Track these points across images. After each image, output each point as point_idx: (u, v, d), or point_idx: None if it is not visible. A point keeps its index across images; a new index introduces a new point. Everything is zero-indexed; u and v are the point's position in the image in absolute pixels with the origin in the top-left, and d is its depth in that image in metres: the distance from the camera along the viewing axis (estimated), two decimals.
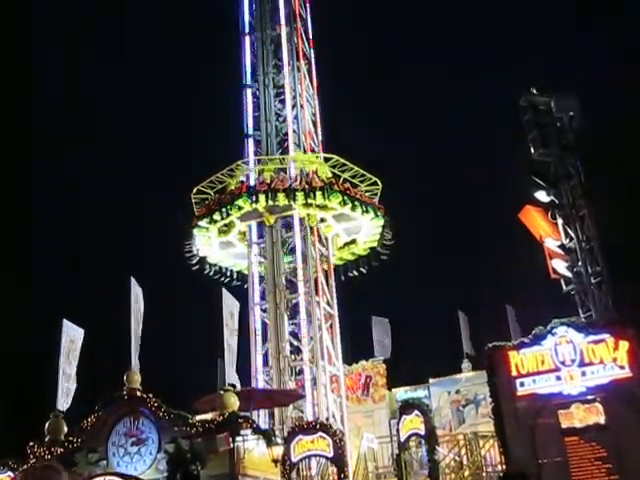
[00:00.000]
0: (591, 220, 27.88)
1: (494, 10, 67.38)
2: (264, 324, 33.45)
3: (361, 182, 35.38)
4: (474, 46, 66.62)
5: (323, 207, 34.25)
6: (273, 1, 39.37)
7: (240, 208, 34.08)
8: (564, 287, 28.21)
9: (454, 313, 37.32)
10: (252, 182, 34.63)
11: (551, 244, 28.61)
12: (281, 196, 33.44)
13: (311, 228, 34.26)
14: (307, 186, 33.59)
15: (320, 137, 37.48)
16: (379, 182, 35.45)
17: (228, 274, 37.92)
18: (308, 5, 40.60)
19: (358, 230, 36.40)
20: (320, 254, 34.76)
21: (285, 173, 34.81)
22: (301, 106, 36.83)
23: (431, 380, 34.97)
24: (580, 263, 27.68)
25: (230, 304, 28.85)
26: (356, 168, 35.02)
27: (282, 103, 36.91)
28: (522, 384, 21.74)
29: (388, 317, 40.07)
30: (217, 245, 36.60)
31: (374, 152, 36.69)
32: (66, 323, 29.32)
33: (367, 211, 34.91)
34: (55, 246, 62.14)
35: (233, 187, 34.67)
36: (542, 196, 28.86)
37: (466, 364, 34.79)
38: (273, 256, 34.21)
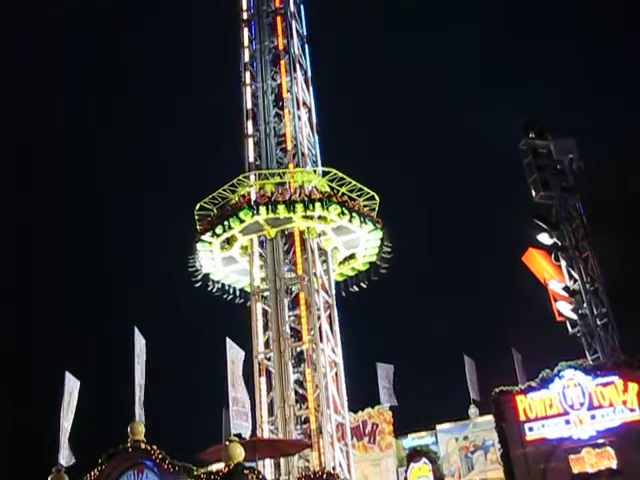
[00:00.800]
0: (595, 261, 27.84)
1: (495, 54, 68.65)
2: (268, 372, 33.20)
3: (359, 196, 35.59)
4: (475, 83, 67.68)
5: (322, 219, 34.74)
6: (273, 52, 40.09)
7: (242, 221, 34.42)
8: (570, 329, 28.03)
9: (460, 358, 37.02)
10: (253, 196, 34.81)
11: (555, 286, 28.48)
12: (281, 208, 33.97)
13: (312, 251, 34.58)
14: (306, 198, 34.15)
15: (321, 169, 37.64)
16: (376, 197, 35.83)
17: (231, 292, 38.07)
18: (307, 47, 41.29)
19: (357, 244, 36.74)
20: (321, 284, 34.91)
21: (284, 186, 35.17)
22: (302, 154, 37.12)
23: (438, 426, 34.52)
24: (585, 305, 27.53)
25: (234, 353, 28.62)
26: (354, 182, 35.45)
27: (283, 152, 37.19)
28: (531, 429, 21.48)
29: (393, 362, 39.76)
30: (220, 261, 36.75)
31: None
32: (68, 376, 29.01)
33: (365, 222, 35.26)
34: (55, 297, 62.27)
35: (235, 201, 34.95)
36: (545, 239, 28.86)
37: (473, 409, 34.38)
38: (276, 295, 34.27)
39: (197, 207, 35.88)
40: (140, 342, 27.62)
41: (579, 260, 28.28)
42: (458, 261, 55.60)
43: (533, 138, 29.57)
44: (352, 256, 37.71)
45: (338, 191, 35.26)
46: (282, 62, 39.44)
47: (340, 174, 35.51)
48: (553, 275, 28.88)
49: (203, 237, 35.61)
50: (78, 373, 29.53)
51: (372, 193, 35.92)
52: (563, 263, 28.68)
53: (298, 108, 38.43)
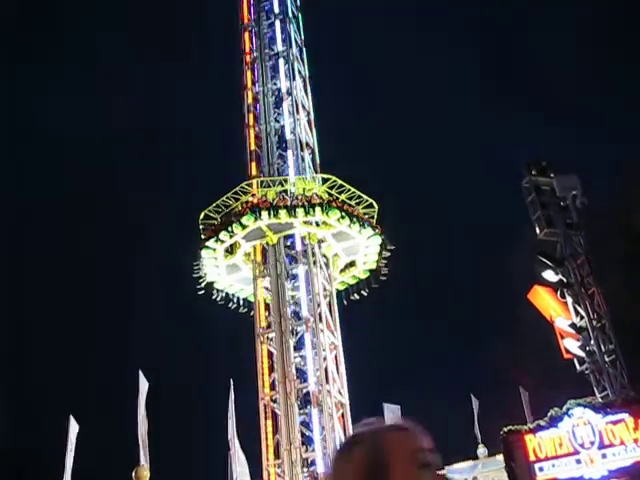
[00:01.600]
0: (601, 298, 27.63)
1: (495, 89, 69.41)
2: (275, 414, 32.94)
3: (358, 204, 36.79)
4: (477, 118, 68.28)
5: (323, 224, 35.68)
6: (276, 95, 40.53)
7: (244, 226, 35.31)
8: (578, 367, 27.68)
9: (467, 397, 36.63)
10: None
11: (562, 323, 28.23)
12: (283, 212, 35.12)
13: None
14: (307, 203, 35.22)
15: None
16: (375, 204, 37.00)
17: (235, 300, 38.64)
18: (310, 89, 41.78)
19: (357, 250, 37.53)
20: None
21: (286, 194, 36.35)
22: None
23: (447, 468, 34.00)
24: (592, 342, 27.24)
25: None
26: (352, 189, 36.55)
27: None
28: (541, 469, 21.15)
29: (399, 403, 39.33)
30: (224, 269, 37.40)
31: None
32: (72, 421, 28.73)
33: (364, 226, 36.28)
34: (58, 343, 62.07)
35: (238, 208, 36.10)
36: (550, 276, 28.68)
37: (482, 449, 33.91)
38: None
39: (202, 216, 36.93)
40: (144, 385, 27.47)
41: (585, 297, 28.07)
42: (463, 299, 55.47)
43: (536, 175, 29.62)
44: (352, 264, 38.64)
45: (338, 197, 36.36)
46: (285, 104, 39.87)
47: (339, 181, 36.59)
48: (559, 312, 28.64)
49: (207, 243, 36.38)
50: (81, 417, 29.33)
51: (371, 200, 37.08)
52: (569, 300, 28.45)
53: (302, 149, 38.83)
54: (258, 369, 34.40)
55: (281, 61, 41.37)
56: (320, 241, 36.43)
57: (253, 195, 36.36)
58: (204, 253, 36.69)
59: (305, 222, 35.58)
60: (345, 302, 38.33)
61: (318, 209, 35.12)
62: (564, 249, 28.93)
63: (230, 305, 38.60)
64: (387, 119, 72.74)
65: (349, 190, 36.54)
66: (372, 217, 37.20)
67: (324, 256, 36.77)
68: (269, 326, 35.39)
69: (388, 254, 37.95)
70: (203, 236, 36.74)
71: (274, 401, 33.27)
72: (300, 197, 35.66)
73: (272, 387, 33.74)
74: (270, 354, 34.83)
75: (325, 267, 36.67)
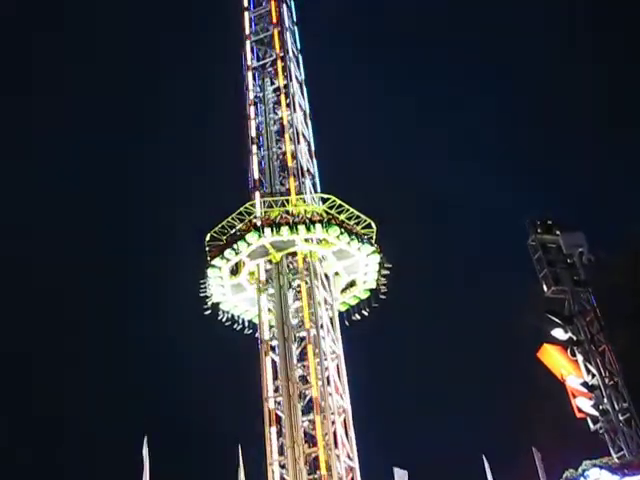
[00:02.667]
0: (612, 355, 27.42)
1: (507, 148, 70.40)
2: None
3: (357, 224, 38.28)
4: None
5: (323, 242, 37.22)
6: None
7: (249, 244, 36.73)
8: (592, 426, 27.30)
9: (479, 459, 35.96)
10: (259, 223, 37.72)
11: (573, 382, 27.94)
12: (285, 229, 36.65)
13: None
14: (308, 220, 36.95)
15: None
16: (373, 224, 38.36)
17: (240, 322, 39.73)
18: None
19: (357, 269, 38.68)
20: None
21: (288, 214, 37.92)
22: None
23: None
24: (605, 400, 26.94)
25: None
26: (352, 209, 38.07)
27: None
28: None
29: (409, 466, 38.66)
30: (229, 289, 38.54)
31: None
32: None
33: (363, 243, 37.65)
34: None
35: (242, 227, 37.73)
36: (559, 334, 28.52)
37: None
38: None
39: (208, 237, 38.31)
40: (146, 453, 27.27)
41: (596, 354, 27.86)
42: (472, 360, 54.99)
43: (541, 233, 29.74)
44: (353, 284, 39.60)
45: (337, 217, 37.90)
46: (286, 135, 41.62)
47: (338, 201, 38.17)
48: (570, 370, 28.37)
49: (213, 262, 37.64)
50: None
51: (369, 220, 38.46)
52: (580, 358, 28.22)
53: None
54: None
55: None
56: (321, 260, 37.83)
57: (256, 217, 38.00)
58: (210, 272, 37.93)
59: (306, 240, 37.06)
60: (347, 323, 39.26)
61: (318, 226, 36.73)
62: (572, 306, 28.84)
63: (235, 326, 39.68)
64: (388, 170, 73.80)
65: (348, 210, 38.10)
66: (371, 238, 38.61)
67: (325, 275, 37.98)
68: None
69: (387, 272, 38.99)
70: (209, 257, 38.06)
71: (282, 467, 32.85)
72: (301, 215, 37.27)
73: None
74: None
75: (327, 284, 37.84)
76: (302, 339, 36.08)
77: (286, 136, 41.74)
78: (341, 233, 37.02)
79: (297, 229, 36.55)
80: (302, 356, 35.70)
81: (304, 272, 36.98)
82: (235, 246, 36.99)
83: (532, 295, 30.68)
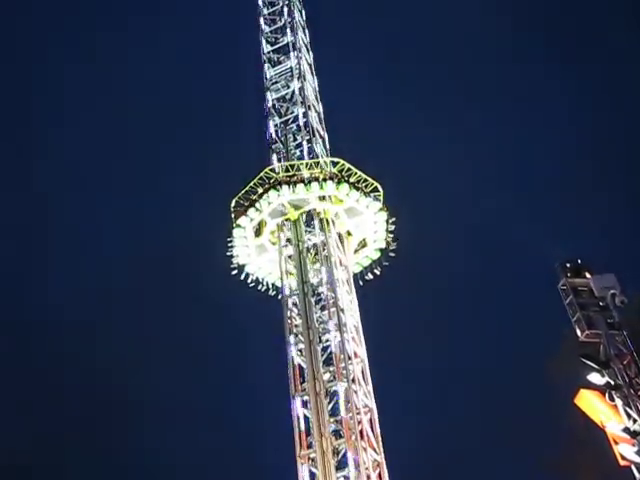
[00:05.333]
0: None
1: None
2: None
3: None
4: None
5: (335, 199, 41.27)
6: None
7: (269, 203, 41.11)
8: (636, 474, 26.39)
9: None
10: None
11: (614, 428, 27.10)
12: (300, 186, 41.07)
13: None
14: (320, 178, 41.14)
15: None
16: (380, 187, 42.87)
17: (264, 284, 43.92)
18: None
19: (367, 227, 42.95)
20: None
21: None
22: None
23: None
24: None
25: None
26: (360, 173, 42.37)
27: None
28: None
29: None
30: (254, 250, 42.94)
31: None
32: None
33: (370, 198, 41.75)
34: None
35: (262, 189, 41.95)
36: (596, 378, 27.78)
37: None
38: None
39: (233, 203, 42.96)
40: None
41: (635, 398, 27.07)
42: (506, 409, 54.00)
43: (571, 277, 29.27)
44: (364, 245, 43.78)
45: (347, 177, 42.08)
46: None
47: (347, 165, 42.60)
48: (610, 416, 27.56)
49: (238, 221, 42.13)
50: None
51: (376, 184, 42.71)
52: (619, 402, 27.43)
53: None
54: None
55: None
56: (333, 219, 41.89)
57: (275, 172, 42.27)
58: (236, 232, 42.37)
59: (320, 198, 41.07)
60: (361, 283, 43.78)
61: (330, 183, 41.12)
62: (608, 350, 28.17)
63: (260, 287, 43.90)
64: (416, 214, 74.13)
65: (356, 173, 42.46)
66: (378, 199, 42.93)
67: (339, 235, 42.01)
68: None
69: (393, 227, 43.33)
70: (234, 217, 42.45)
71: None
72: (314, 174, 41.51)
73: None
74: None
75: (341, 243, 41.74)
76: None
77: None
78: (350, 190, 41.04)
79: (311, 186, 40.21)
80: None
81: (318, 227, 41.22)
82: (257, 205, 41.29)
83: (565, 339, 30.12)
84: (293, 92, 47.83)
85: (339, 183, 41.34)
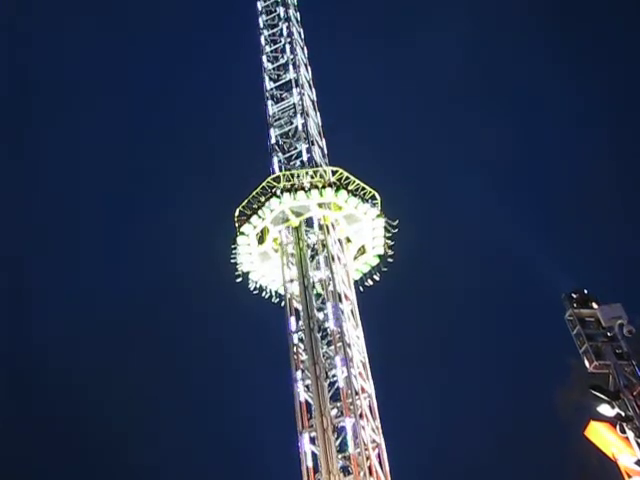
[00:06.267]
0: None
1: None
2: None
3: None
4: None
5: (334, 206, 42.70)
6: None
7: (272, 210, 42.83)
8: None
9: None
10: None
11: (626, 461, 26.74)
12: (300, 193, 42.71)
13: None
14: (320, 185, 42.86)
15: None
16: (377, 195, 44.40)
17: (267, 291, 45.21)
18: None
19: (365, 234, 44.27)
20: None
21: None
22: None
23: None
24: None
25: None
26: (357, 181, 44.00)
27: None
28: None
29: None
30: (257, 257, 44.40)
31: None
32: None
33: (367, 203, 43.18)
34: None
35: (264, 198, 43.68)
36: (606, 410, 27.47)
37: None
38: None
39: (237, 213, 44.58)
40: None
41: None
42: (515, 441, 53.48)
43: (578, 307, 29.10)
44: (363, 251, 45.04)
45: (346, 185, 43.54)
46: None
47: (346, 173, 44.02)
48: (622, 448, 27.22)
49: (242, 229, 43.56)
50: None
51: (373, 192, 44.11)
52: (630, 435, 27.07)
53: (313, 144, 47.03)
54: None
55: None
56: (333, 224, 43.36)
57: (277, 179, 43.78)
58: (239, 240, 43.91)
59: (320, 205, 42.88)
60: (361, 289, 45.04)
61: (329, 190, 42.65)
62: (618, 381, 27.90)
63: (263, 294, 45.34)
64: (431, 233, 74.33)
65: (354, 182, 44.14)
66: (376, 203, 44.32)
67: (339, 241, 43.24)
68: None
69: (392, 232, 44.71)
70: (238, 225, 43.94)
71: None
72: (314, 181, 43.03)
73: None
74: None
75: (341, 249, 42.98)
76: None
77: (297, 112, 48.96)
78: (349, 196, 42.73)
79: (311, 193, 42.03)
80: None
81: (319, 235, 42.40)
82: (260, 212, 42.72)
83: (574, 370, 29.87)
84: (296, 128, 48.40)
85: (338, 190, 42.83)
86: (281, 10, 55.46)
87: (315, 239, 42.37)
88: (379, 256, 45.14)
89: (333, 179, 43.69)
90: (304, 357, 37.63)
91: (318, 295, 42.22)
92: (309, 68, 53.16)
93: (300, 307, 40.80)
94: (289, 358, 38.84)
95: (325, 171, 44.73)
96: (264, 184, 44.13)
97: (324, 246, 41.19)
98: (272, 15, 55.82)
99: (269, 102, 50.93)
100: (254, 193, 43.97)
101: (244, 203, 44.17)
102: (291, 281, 41.78)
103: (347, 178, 43.88)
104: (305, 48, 53.86)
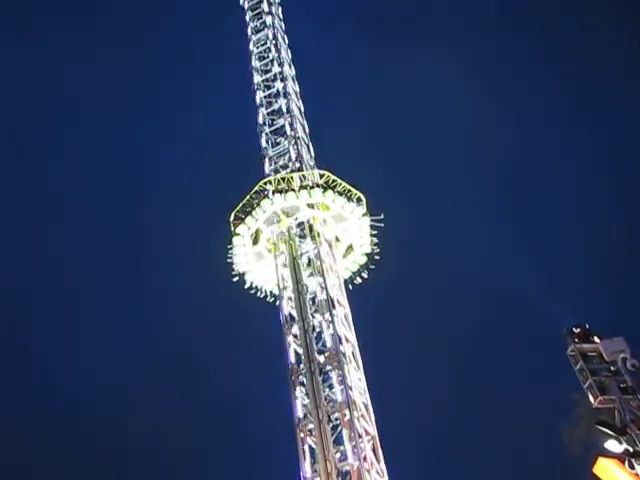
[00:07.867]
0: None
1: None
2: None
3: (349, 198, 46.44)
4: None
5: (322, 206, 45.24)
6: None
7: (264, 211, 45.41)
8: None
9: None
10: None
11: None
12: (290, 194, 45.46)
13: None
14: (308, 187, 45.42)
15: None
16: (363, 197, 46.84)
17: (262, 291, 47.66)
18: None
19: (353, 233, 46.59)
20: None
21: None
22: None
23: None
24: None
25: None
26: (344, 184, 46.50)
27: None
28: None
29: None
30: (252, 257, 46.80)
31: None
32: None
33: (353, 202, 45.60)
34: None
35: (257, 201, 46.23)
36: (614, 446, 27.00)
37: None
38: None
39: (232, 217, 47.02)
40: None
41: None
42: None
43: (580, 342, 28.91)
44: (351, 249, 47.32)
45: (333, 187, 46.01)
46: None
47: (333, 176, 46.65)
48: None
49: (237, 230, 45.90)
50: None
51: (359, 194, 46.71)
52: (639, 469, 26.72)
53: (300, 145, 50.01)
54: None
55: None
56: (322, 224, 45.30)
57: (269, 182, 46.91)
58: (235, 241, 46.28)
59: (309, 205, 45.43)
60: (351, 287, 46.95)
61: (317, 190, 45.19)
62: (623, 415, 27.54)
63: (258, 294, 47.74)
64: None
65: (341, 184, 46.56)
66: (361, 202, 46.49)
67: (327, 241, 45.13)
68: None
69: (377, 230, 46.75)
70: (234, 227, 46.22)
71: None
72: (303, 184, 45.71)
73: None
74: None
75: (330, 249, 44.85)
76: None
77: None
78: (335, 196, 45.26)
79: (300, 193, 44.62)
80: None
81: (309, 234, 44.72)
82: (254, 213, 45.33)
83: (578, 405, 29.56)
84: (285, 131, 51.85)
85: (325, 190, 45.32)
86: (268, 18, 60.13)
87: (307, 248, 44.39)
88: (366, 254, 47.43)
89: (321, 182, 46.21)
90: (306, 401, 37.48)
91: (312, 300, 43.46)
92: (295, 81, 56.51)
93: (295, 312, 41.78)
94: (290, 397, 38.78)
95: (313, 174, 47.42)
96: (256, 188, 46.74)
97: (317, 257, 42.10)
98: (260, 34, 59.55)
99: (269, 142, 53.34)
100: (248, 197, 46.62)
101: (238, 207, 46.80)
102: (284, 288, 42.84)
103: (334, 181, 46.49)
104: (300, 103, 55.94)
